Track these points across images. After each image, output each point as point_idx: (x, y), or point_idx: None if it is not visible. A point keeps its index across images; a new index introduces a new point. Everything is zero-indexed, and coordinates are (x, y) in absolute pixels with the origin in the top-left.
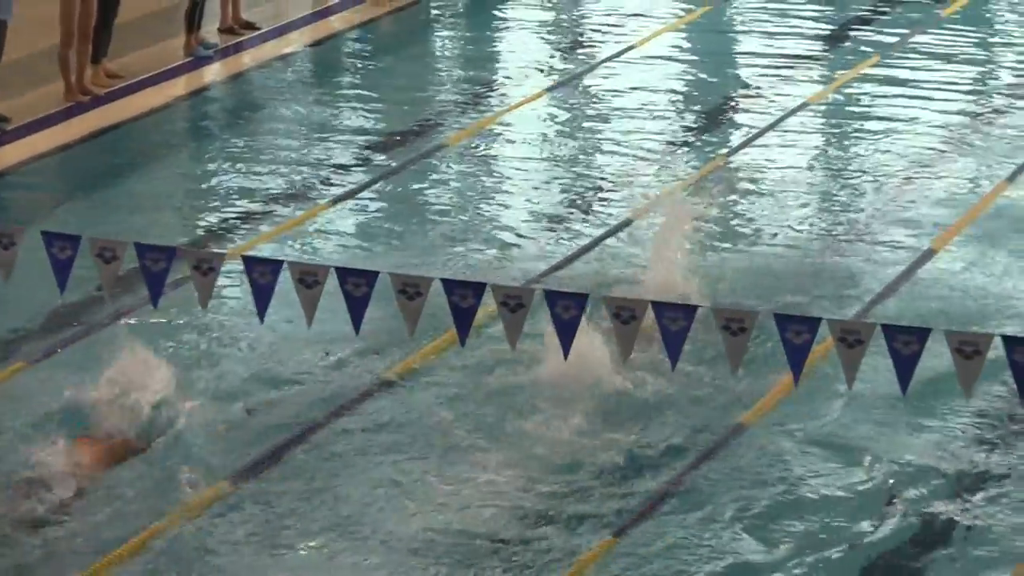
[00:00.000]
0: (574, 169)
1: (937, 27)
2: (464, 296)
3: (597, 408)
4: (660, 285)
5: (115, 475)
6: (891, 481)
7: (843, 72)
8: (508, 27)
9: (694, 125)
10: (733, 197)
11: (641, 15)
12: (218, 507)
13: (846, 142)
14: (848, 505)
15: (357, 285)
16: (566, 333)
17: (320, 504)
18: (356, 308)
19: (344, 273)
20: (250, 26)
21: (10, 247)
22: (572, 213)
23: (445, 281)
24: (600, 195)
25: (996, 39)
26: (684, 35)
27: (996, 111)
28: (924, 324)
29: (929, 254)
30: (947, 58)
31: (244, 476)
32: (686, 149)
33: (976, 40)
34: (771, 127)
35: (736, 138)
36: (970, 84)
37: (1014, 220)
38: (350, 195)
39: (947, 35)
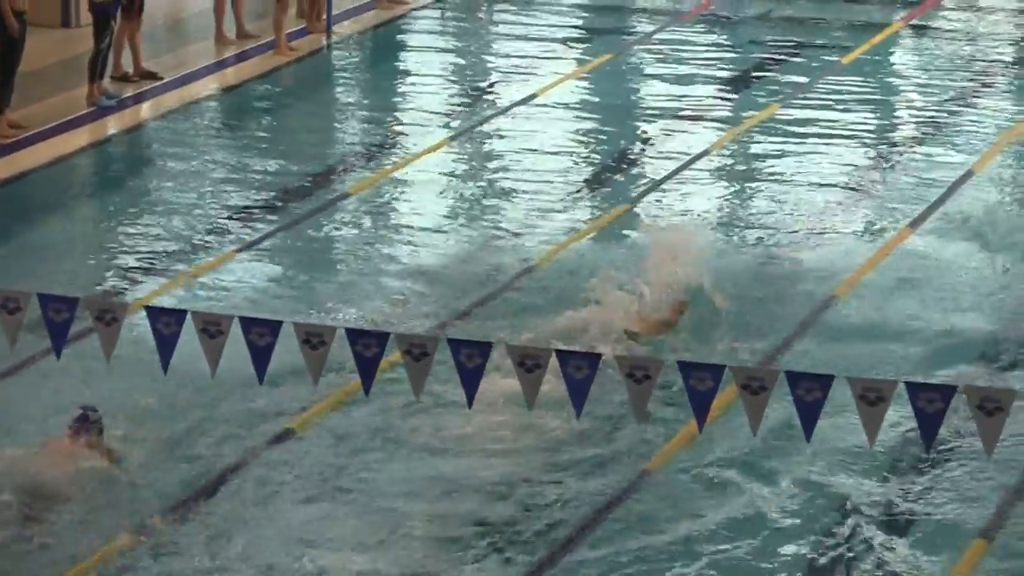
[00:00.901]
0: (477, 217)
1: (837, 74)
2: (368, 345)
3: (507, 450)
4: (562, 330)
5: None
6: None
7: (745, 119)
8: (411, 76)
9: (597, 173)
10: (637, 244)
11: (543, 63)
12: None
13: (748, 189)
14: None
15: (261, 335)
16: (470, 382)
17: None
18: (260, 357)
19: (248, 323)
20: (152, 76)
21: None
22: (476, 260)
23: (349, 330)
24: (501, 243)
25: (894, 86)
26: (587, 83)
27: (896, 158)
28: (829, 370)
29: (832, 300)
30: (847, 105)
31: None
32: (589, 197)
33: (875, 87)
34: (673, 174)
35: (639, 186)
36: (870, 131)
37: (915, 266)
38: (254, 243)
39: (847, 83)
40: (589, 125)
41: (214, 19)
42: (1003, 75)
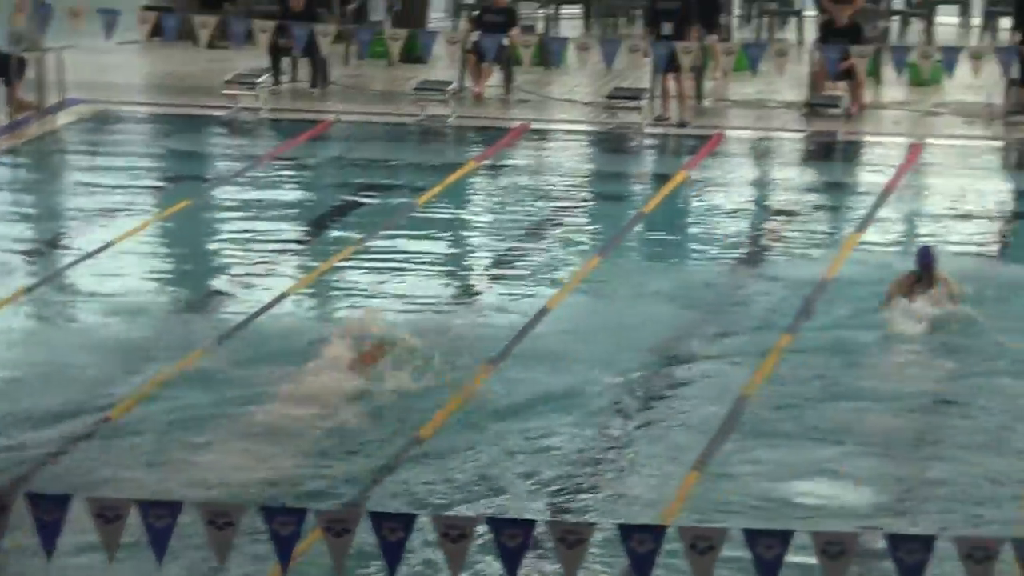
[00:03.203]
0: (57, 370)
1: (413, 212)
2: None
3: None
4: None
5: None
6: None
7: (329, 255)
8: None
9: (176, 321)
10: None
11: (120, 209)
12: None
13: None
14: None
15: None
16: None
17: None
18: None
19: None
20: None
21: None
22: (58, 416)
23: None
24: (77, 398)
25: (469, 224)
26: (167, 227)
27: (466, 297)
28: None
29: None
30: (422, 243)
31: None
32: (170, 344)
33: (449, 225)
34: (253, 317)
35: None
36: (447, 267)
37: (489, 405)
38: None
39: (422, 221)
40: (170, 268)
41: None
42: (579, 208)
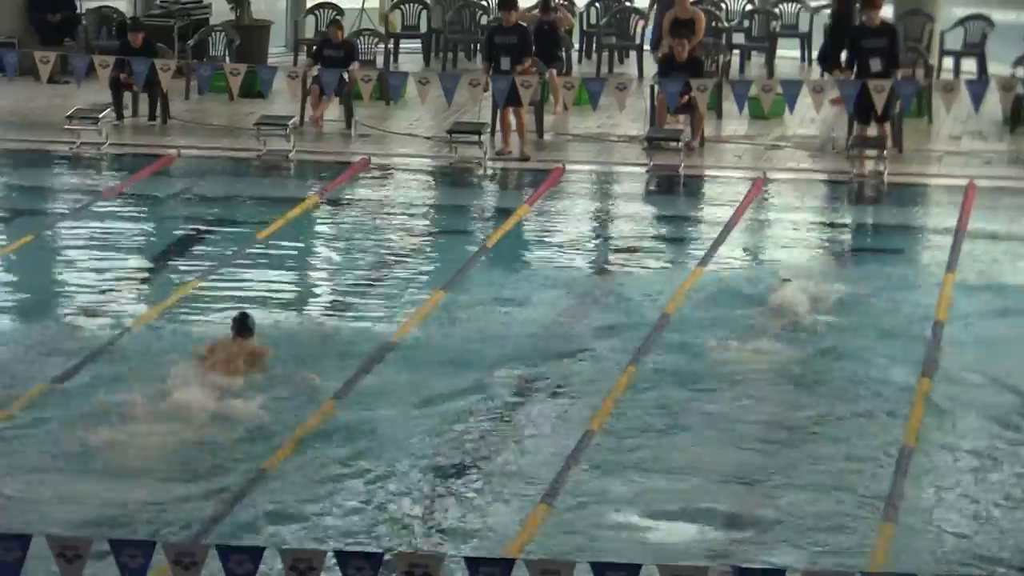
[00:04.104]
0: None
1: (253, 246)
2: None
3: None
4: None
5: None
6: None
7: (166, 295)
8: None
9: (19, 354)
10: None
11: None
12: None
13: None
14: None
15: None
16: None
17: None
18: None
19: None
20: None
21: None
22: None
23: None
24: None
25: (311, 257)
26: (9, 261)
27: (314, 327)
28: None
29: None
30: (265, 277)
31: None
32: (14, 376)
33: (293, 259)
34: (99, 353)
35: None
36: (287, 301)
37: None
38: None
39: (261, 256)
40: (11, 301)
41: None
42: (420, 242)
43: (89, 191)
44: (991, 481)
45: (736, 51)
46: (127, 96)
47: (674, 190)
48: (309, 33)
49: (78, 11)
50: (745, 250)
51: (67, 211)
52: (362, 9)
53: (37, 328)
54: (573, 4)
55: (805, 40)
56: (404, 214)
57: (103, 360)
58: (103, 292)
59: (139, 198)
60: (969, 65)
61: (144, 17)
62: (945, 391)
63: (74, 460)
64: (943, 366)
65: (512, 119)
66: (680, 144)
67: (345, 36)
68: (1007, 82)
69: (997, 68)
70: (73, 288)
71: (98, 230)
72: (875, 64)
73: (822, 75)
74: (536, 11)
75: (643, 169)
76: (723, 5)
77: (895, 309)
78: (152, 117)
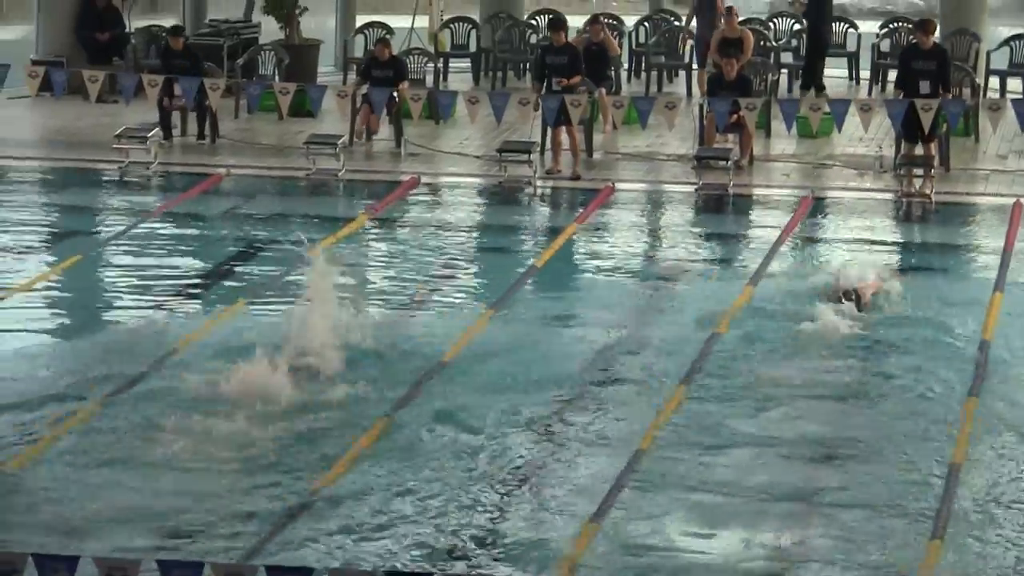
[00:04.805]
0: None
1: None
2: None
3: None
4: None
5: None
6: None
7: (219, 311)
8: None
9: (74, 371)
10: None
11: (11, 264)
12: None
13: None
14: None
15: None
16: None
17: None
18: None
19: None
20: None
21: None
22: None
23: None
24: None
25: (362, 277)
26: (59, 281)
27: (364, 345)
28: None
29: None
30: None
31: None
32: (67, 393)
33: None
34: (155, 365)
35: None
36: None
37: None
38: None
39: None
40: (62, 320)
41: None
42: (471, 261)
43: (138, 210)
44: None
45: (784, 70)
46: (176, 115)
47: (723, 209)
48: (358, 52)
49: (127, 30)
50: (793, 268)
51: (116, 231)
52: (412, 28)
53: (89, 346)
54: (622, 23)
55: (853, 59)
56: (453, 233)
57: (154, 376)
58: (157, 309)
59: (188, 217)
60: (1015, 84)
61: (194, 36)
62: (993, 409)
63: (131, 470)
64: (990, 385)
65: (564, 138)
66: (729, 163)
67: (393, 54)
68: None
69: None
70: (124, 306)
71: (147, 249)
72: (924, 87)
73: (869, 93)
74: (585, 34)
75: (692, 188)
76: (771, 24)
77: (943, 328)
78: (201, 136)
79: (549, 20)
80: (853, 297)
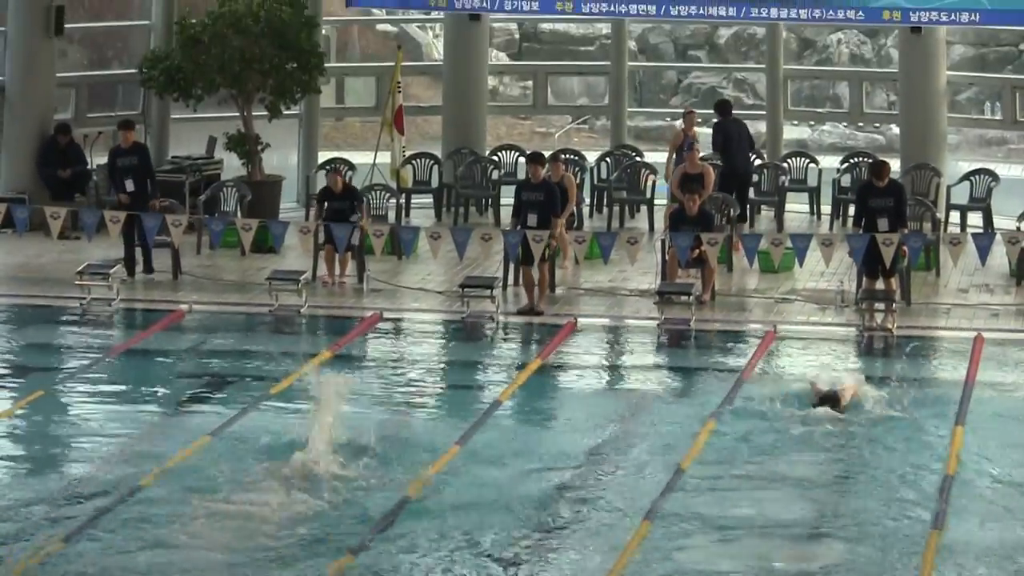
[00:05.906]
0: None
1: (267, 401)
2: None
3: None
4: None
5: None
6: None
7: (181, 447)
8: None
9: (40, 510)
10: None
11: None
12: None
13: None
14: None
15: None
16: None
17: None
18: None
19: None
20: None
21: None
22: None
23: None
24: None
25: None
26: (21, 416)
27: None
28: None
29: None
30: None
31: None
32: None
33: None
34: (117, 503)
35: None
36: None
37: None
38: None
39: (275, 411)
40: (25, 456)
41: None
42: (434, 396)
43: (100, 347)
44: None
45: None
46: (138, 251)
47: (685, 344)
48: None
49: (89, 166)
50: (756, 402)
51: (78, 367)
52: (374, 164)
53: (52, 482)
54: (583, 159)
55: (814, 194)
56: (415, 368)
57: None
58: (117, 446)
59: (151, 353)
60: (975, 219)
61: (157, 172)
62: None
63: None
64: (953, 521)
65: (533, 274)
66: (691, 298)
67: (347, 184)
68: (1013, 236)
69: (1003, 222)
70: (87, 442)
71: (108, 385)
72: (882, 224)
73: (831, 228)
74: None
75: (654, 323)
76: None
77: (903, 461)
78: (147, 270)
79: (528, 155)
80: (830, 401)
